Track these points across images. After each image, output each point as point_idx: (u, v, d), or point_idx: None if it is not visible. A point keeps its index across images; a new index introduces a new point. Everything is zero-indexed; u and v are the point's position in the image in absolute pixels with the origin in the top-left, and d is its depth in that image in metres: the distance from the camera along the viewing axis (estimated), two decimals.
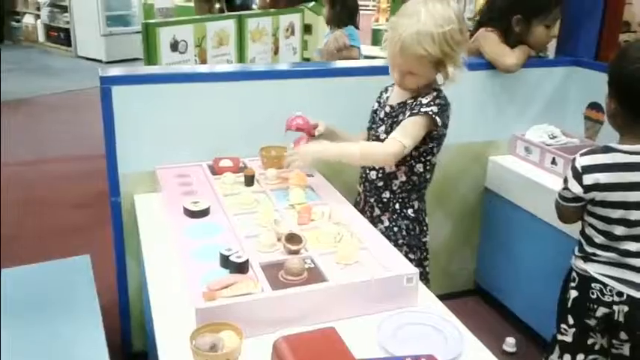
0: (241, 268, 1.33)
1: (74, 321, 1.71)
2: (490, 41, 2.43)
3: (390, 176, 1.83)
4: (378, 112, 1.89)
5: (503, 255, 2.53)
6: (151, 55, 3.44)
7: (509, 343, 2.37)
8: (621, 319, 1.66)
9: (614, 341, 1.72)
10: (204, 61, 3.80)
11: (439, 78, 1.74)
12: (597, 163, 1.60)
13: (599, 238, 1.66)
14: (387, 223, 1.86)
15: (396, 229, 1.85)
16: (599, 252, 1.66)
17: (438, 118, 1.70)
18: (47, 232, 3.30)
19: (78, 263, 2.05)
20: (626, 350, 1.71)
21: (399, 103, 1.80)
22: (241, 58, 4.14)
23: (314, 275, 1.34)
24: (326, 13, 4.02)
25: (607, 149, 1.61)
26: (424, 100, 1.72)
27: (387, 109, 1.85)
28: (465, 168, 2.51)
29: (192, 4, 7.35)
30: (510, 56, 2.38)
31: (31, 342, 1.60)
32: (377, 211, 1.89)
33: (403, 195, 1.85)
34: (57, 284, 1.91)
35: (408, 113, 1.73)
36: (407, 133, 1.69)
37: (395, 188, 1.84)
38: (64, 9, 8.74)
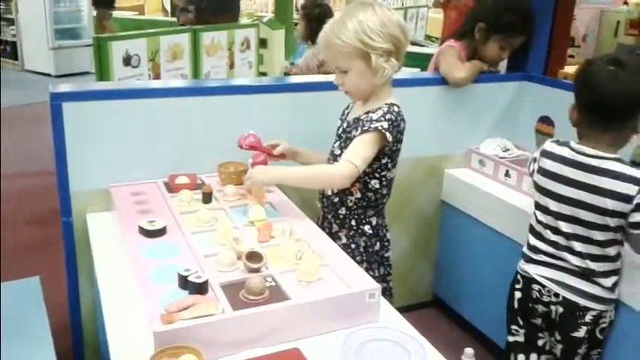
0: (201, 288, 1.30)
1: (24, 345, 1.64)
2: (446, 56, 2.49)
3: (345, 192, 1.82)
4: (338, 129, 1.89)
5: (460, 266, 2.57)
6: (103, 70, 3.37)
7: (468, 354, 2.33)
8: (557, 319, 1.75)
9: (552, 339, 1.81)
10: (157, 76, 3.75)
11: (378, 78, 1.70)
12: (551, 151, 1.74)
13: (537, 227, 1.78)
14: (344, 240, 1.85)
15: (353, 245, 1.84)
16: (539, 246, 1.77)
17: (388, 134, 1.69)
18: None
19: (28, 285, 1.97)
20: (558, 351, 1.80)
21: (354, 119, 1.81)
22: (196, 72, 4.11)
23: (275, 294, 1.32)
24: (301, 29, 3.95)
25: (563, 143, 1.73)
26: (374, 116, 1.72)
27: (345, 124, 1.86)
28: (422, 181, 2.54)
29: (127, 14, 7.46)
30: (460, 70, 2.43)
31: None
32: (335, 227, 1.88)
33: (359, 211, 1.84)
34: (6, 307, 1.83)
35: (359, 130, 1.73)
36: (357, 153, 1.69)
37: (350, 204, 1.83)
38: (11, 22, 8.48)
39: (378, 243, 1.87)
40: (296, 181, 1.78)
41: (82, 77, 7.80)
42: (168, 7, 13.26)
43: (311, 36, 3.81)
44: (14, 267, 2.88)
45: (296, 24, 5.18)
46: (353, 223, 1.85)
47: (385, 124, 1.69)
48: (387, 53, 1.68)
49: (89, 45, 8.32)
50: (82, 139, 1.88)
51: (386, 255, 1.90)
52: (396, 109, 1.75)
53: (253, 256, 1.41)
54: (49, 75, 7.93)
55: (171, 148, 2.02)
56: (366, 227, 1.85)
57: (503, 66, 2.70)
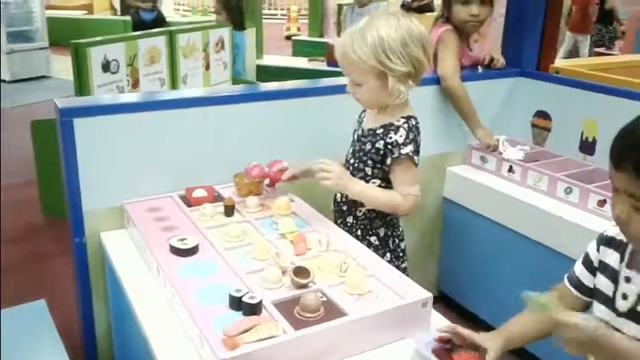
0: (256, 309, 1.27)
1: None
2: (447, 47, 2.43)
3: (356, 203, 1.78)
4: (354, 133, 1.87)
5: (465, 260, 2.60)
6: (81, 77, 3.26)
7: None
8: None
9: None
10: (136, 81, 3.66)
11: (393, 99, 1.64)
12: None
13: None
14: None
15: None
16: None
17: (416, 157, 1.69)
18: None
19: (34, 308, 1.90)
20: None
21: (369, 129, 1.75)
22: (173, 75, 4.02)
23: (330, 310, 1.31)
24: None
25: None
26: (399, 139, 1.66)
27: (360, 132, 1.81)
28: (424, 180, 2.51)
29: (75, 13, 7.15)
30: (450, 69, 2.39)
31: None
32: None
33: (365, 222, 1.80)
34: (15, 333, 1.76)
35: (389, 158, 1.68)
36: (410, 182, 1.71)
37: (359, 214, 1.80)
38: None
39: (388, 254, 1.82)
40: (363, 198, 1.74)
41: (38, 82, 7.51)
42: (117, 6, 12.90)
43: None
44: (9, 288, 2.76)
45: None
46: (359, 233, 1.81)
47: (412, 147, 1.67)
48: (406, 75, 1.60)
49: (43, 48, 8.06)
50: (92, 155, 1.81)
51: (402, 266, 1.85)
52: (413, 122, 1.70)
53: (300, 272, 1.39)
54: (3, 81, 7.60)
55: (182, 160, 1.96)
56: (372, 239, 1.81)
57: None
